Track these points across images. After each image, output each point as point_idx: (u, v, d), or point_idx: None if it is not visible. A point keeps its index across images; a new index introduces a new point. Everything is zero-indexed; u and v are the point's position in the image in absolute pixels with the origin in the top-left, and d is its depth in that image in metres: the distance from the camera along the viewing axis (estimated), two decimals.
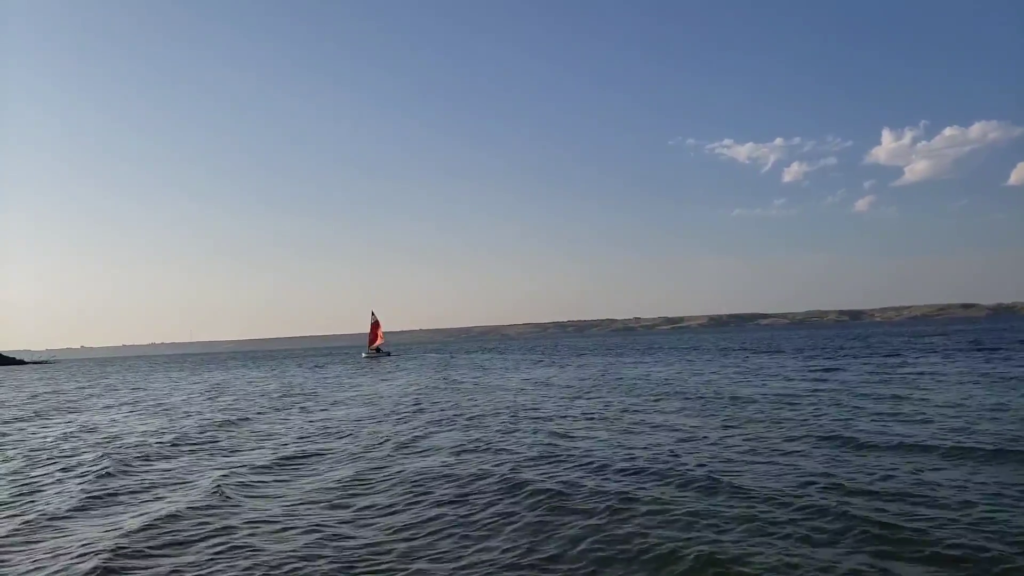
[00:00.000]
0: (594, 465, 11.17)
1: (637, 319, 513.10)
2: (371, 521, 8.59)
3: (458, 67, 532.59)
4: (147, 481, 11.55)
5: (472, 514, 8.66)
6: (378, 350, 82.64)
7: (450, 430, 16.14)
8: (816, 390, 21.69)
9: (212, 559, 7.35)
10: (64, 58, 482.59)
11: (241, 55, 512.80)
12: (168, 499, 10.10)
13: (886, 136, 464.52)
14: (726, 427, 14.78)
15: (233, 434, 17.42)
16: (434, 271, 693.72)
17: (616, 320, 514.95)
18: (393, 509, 9.15)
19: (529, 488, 9.55)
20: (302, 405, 24.83)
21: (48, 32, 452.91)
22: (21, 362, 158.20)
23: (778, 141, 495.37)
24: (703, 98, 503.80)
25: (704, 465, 10.75)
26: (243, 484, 10.91)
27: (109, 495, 10.54)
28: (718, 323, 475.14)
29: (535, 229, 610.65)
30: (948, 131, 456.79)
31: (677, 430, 14.57)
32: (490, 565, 6.86)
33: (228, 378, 50.47)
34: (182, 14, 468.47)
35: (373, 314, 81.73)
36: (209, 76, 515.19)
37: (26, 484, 11.75)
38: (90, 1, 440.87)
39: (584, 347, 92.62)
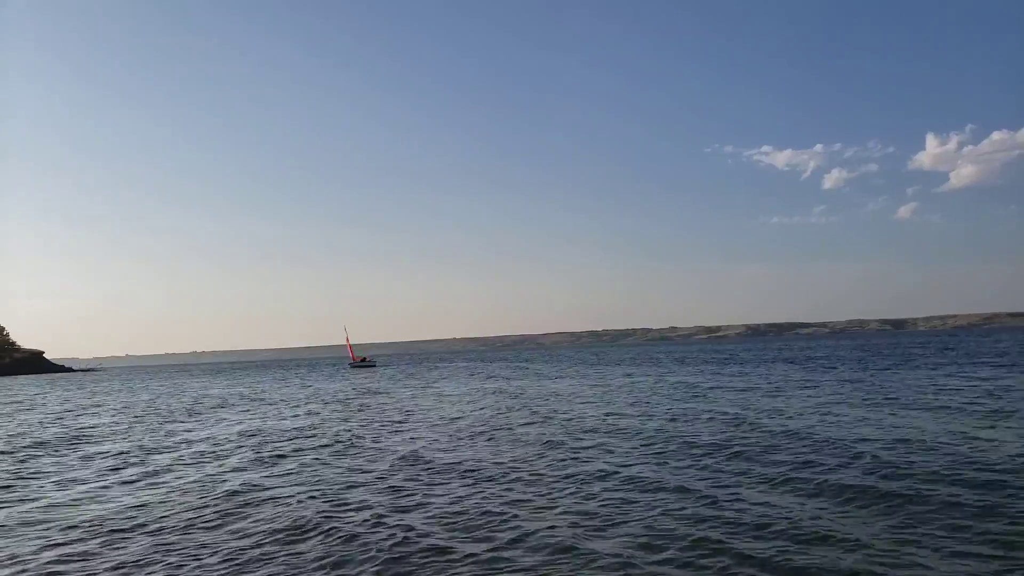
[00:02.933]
0: None
1: (673, 328, 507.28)
2: None
3: (492, 71, 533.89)
4: None
5: None
6: (363, 359, 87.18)
7: None
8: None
9: None
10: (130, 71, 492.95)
11: (271, 63, 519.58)
12: None
13: (930, 141, 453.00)
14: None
15: None
16: (468, 280, 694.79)
17: (652, 329, 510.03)
18: None
19: None
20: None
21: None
22: (70, 370, 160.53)
23: (818, 147, 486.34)
24: (741, 104, 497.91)
25: None
26: None
27: None
28: (756, 332, 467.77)
29: (570, 237, 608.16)
30: (996, 135, 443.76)
31: None
32: None
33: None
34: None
35: (345, 329, 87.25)
36: (250, 91, 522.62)
37: None
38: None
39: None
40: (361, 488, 11.32)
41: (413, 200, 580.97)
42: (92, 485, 12.87)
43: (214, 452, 16.46)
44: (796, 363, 48.87)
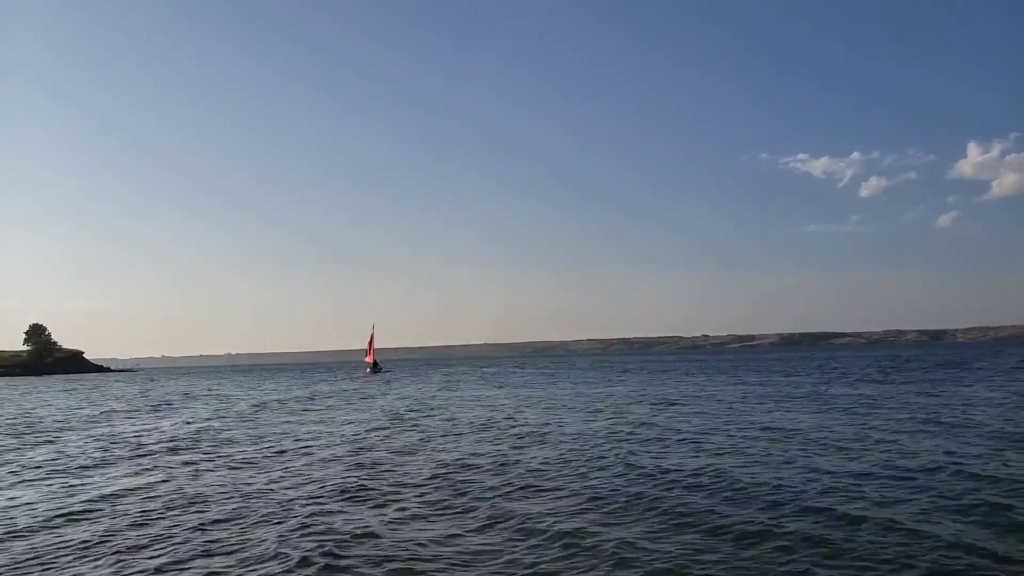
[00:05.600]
0: None
1: (705, 336, 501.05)
2: None
3: (520, 77, 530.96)
4: None
5: None
6: (376, 364, 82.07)
7: None
8: None
9: None
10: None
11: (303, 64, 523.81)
12: None
13: (972, 149, 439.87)
14: None
15: None
16: (496, 284, 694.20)
17: (684, 337, 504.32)
18: None
19: None
20: None
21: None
22: (108, 370, 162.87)
23: (855, 155, 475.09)
24: (777, 111, 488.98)
25: None
26: None
27: None
28: (790, 342, 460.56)
29: (600, 243, 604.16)
30: None
31: None
32: None
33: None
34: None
35: (372, 327, 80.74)
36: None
37: None
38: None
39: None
40: None
41: (440, 203, 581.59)
42: None
43: None
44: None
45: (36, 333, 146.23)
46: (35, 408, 40.97)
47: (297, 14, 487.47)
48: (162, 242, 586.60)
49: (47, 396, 56.24)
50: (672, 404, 29.50)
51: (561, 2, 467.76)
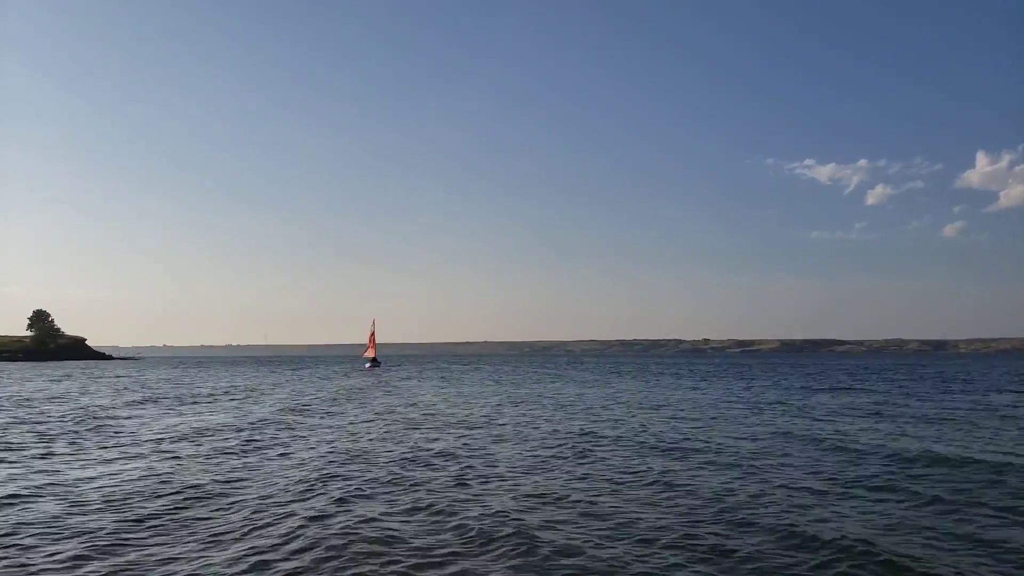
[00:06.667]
0: None
1: (706, 340, 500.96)
2: None
3: (529, 80, 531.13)
4: None
5: None
6: (375, 359, 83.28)
7: None
8: None
9: None
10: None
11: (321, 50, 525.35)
12: None
13: (980, 159, 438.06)
14: None
15: None
16: (500, 284, 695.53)
17: (684, 341, 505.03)
18: None
19: None
20: None
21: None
22: (110, 357, 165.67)
23: (862, 163, 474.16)
24: (783, 117, 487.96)
25: None
26: None
27: None
28: (791, 348, 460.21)
29: (602, 245, 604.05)
30: None
31: None
32: None
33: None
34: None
35: (373, 323, 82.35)
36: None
37: None
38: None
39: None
40: None
41: (444, 202, 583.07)
42: None
43: None
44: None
45: (39, 319, 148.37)
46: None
47: (298, 13, 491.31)
48: (167, 233, 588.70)
49: (30, 379, 57.93)
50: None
51: (568, 5, 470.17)
